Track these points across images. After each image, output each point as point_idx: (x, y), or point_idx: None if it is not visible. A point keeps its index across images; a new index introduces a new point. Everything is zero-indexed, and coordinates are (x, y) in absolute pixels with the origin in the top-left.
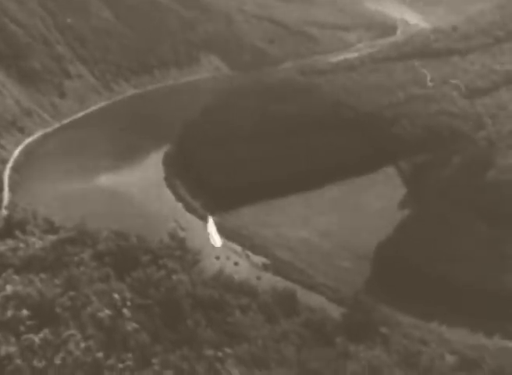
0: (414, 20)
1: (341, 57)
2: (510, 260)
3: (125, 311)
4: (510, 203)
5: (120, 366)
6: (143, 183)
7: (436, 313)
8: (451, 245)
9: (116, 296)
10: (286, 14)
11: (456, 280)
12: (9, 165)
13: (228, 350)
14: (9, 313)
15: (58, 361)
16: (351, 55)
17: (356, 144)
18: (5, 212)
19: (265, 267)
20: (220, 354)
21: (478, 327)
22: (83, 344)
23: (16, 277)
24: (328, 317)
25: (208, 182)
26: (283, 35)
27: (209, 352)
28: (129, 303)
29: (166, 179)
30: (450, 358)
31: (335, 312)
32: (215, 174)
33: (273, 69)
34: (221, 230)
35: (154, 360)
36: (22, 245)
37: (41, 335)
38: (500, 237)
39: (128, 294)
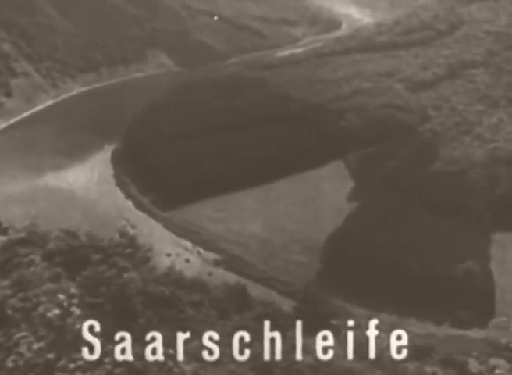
0: (358, 15)
1: (287, 52)
2: (455, 248)
3: (75, 310)
4: (455, 193)
5: (72, 366)
6: (91, 181)
7: (387, 303)
8: (399, 236)
9: (65, 296)
10: (231, 9)
11: (405, 270)
12: None
13: (180, 347)
14: None
15: (10, 364)
16: (297, 49)
17: (303, 137)
18: None
19: (217, 263)
20: (172, 351)
21: (428, 316)
22: (35, 346)
23: None
24: (279, 310)
25: (157, 179)
26: (229, 30)
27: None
28: (79, 302)
29: (115, 176)
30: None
31: (286, 305)
32: (164, 171)
33: (220, 64)
34: (171, 226)
35: (106, 359)
36: None
37: None
38: (446, 226)
39: (79, 293)
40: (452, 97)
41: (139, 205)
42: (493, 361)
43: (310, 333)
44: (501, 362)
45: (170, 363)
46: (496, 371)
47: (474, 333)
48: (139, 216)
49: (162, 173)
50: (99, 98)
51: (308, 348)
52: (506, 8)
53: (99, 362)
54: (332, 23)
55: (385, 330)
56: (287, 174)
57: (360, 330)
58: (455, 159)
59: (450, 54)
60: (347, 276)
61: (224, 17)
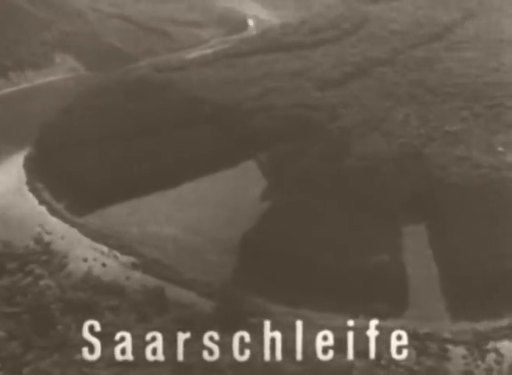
0: (264, 16)
1: (196, 53)
2: (368, 242)
3: None
4: (367, 189)
5: None
6: (4, 188)
7: (305, 299)
8: (313, 232)
9: None
10: (138, 12)
11: (321, 266)
12: None
13: (99, 353)
14: None
15: None
16: (206, 51)
17: (215, 138)
18: None
19: (134, 266)
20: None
21: (344, 309)
22: None
23: None
24: (199, 312)
25: (70, 184)
26: (137, 33)
27: (79, 357)
28: None
29: (28, 183)
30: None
31: (205, 306)
32: (77, 175)
33: (130, 67)
34: (87, 231)
35: (24, 369)
36: None
37: None
38: (359, 221)
39: None
40: (360, 94)
41: (53, 211)
42: (405, 350)
43: (229, 332)
44: (411, 349)
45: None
46: (408, 357)
47: (389, 323)
48: (54, 222)
49: (75, 177)
50: (9, 103)
51: (227, 347)
52: (409, 8)
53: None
54: (240, 24)
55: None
56: (200, 175)
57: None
58: (365, 155)
59: (357, 52)
60: (264, 274)
61: (132, 20)
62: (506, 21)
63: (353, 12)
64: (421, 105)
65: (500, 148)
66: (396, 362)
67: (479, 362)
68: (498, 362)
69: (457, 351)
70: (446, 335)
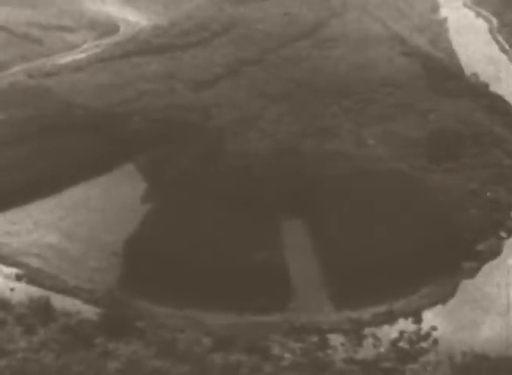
0: (134, 18)
1: (68, 58)
2: (250, 239)
3: None
4: (245, 187)
5: None
6: None
7: (190, 299)
8: (195, 233)
9: None
10: (8, 17)
11: (204, 266)
12: None
13: None
14: None
15: None
16: (78, 55)
17: (93, 143)
18: None
19: (18, 278)
20: None
21: (230, 307)
22: None
23: None
24: (85, 319)
25: None
26: (8, 39)
27: None
28: None
29: None
30: (206, 341)
31: (91, 313)
32: None
33: (1, 74)
34: None
35: None
36: None
37: None
38: (239, 219)
39: None
40: (232, 94)
41: None
42: (291, 341)
43: (117, 338)
44: (297, 341)
45: None
46: (295, 349)
47: (274, 317)
48: None
49: None
50: None
51: (115, 353)
52: (274, 8)
53: None
54: (110, 28)
55: (189, 326)
56: (80, 181)
57: (165, 328)
58: (241, 154)
59: (227, 53)
60: (149, 277)
61: (2, 26)
62: (369, 20)
63: (222, 14)
64: (292, 102)
65: (370, 141)
66: (283, 356)
67: (357, 348)
68: (376, 346)
69: (338, 340)
70: (327, 325)
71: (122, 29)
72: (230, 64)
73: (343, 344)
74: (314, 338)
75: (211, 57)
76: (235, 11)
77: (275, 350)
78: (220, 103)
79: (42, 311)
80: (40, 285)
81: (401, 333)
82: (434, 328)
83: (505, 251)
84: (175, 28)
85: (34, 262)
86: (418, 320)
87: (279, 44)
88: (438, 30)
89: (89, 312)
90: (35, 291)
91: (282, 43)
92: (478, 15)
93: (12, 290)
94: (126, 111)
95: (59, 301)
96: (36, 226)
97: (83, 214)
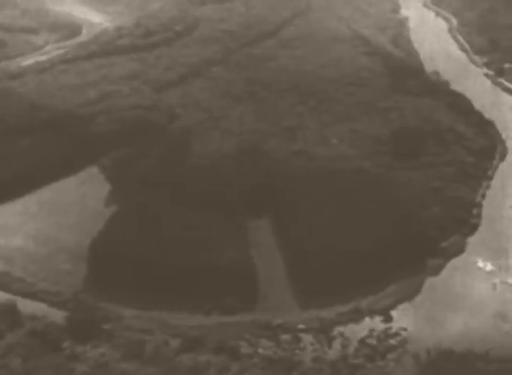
0: (97, 19)
1: (31, 60)
2: (216, 239)
3: None
4: (210, 187)
5: None
6: None
7: (157, 301)
8: (161, 234)
9: None
10: None
11: (171, 267)
12: None
13: None
14: None
15: None
16: (41, 57)
17: (57, 145)
18: None
19: None
20: None
21: (198, 308)
22: None
23: None
24: (52, 323)
25: None
26: None
27: None
28: None
29: None
30: (174, 342)
31: (58, 316)
32: None
33: None
34: None
35: None
36: None
37: None
38: (205, 220)
39: None
40: (197, 94)
41: None
42: (259, 341)
43: (84, 341)
44: (265, 340)
45: None
46: (263, 349)
47: (243, 317)
48: None
49: None
50: None
51: (83, 357)
52: (238, 9)
53: None
54: (73, 29)
55: (157, 328)
56: (45, 183)
57: (132, 331)
58: (206, 154)
59: (191, 53)
60: (115, 279)
61: None
62: (332, 20)
63: (186, 14)
64: (257, 102)
65: (334, 140)
66: (252, 356)
67: (326, 348)
68: (343, 344)
69: (307, 339)
70: (294, 324)
71: (85, 30)
72: (194, 64)
73: (311, 343)
74: (282, 338)
75: (175, 57)
76: (198, 11)
77: (244, 350)
78: (184, 103)
79: (9, 315)
80: (7, 289)
81: (368, 331)
82: (400, 325)
83: (468, 247)
84: (138, 29)
85: (0, 266)
86: (385, 318)
87: (243, 44)
88: (399, 30)
89: (56, 315)
90: (1, 295)
91: (246, 43)
92: (438, 15)
93: None
94: (91, 112)
95: (26, 305)
96: (1, 230)
97: (48, 217)
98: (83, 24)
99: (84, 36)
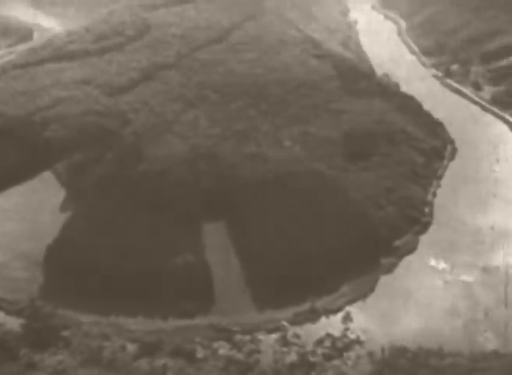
0: (48, 24)
1: None
2: (171, 243)
3: None
4: (164, 191)
5: None
6: None
7: (114, 306)
8: (116, 239)
9: None
10: None
11: (127, 272)
12: None
13: None
14: None
15: None
16: None
17: (11, 152)
18: None
19: None
20: None
21: (154, 312)
22: None
23: None
24: (9, 331)
25: None
26: None
27: None
28: None
29: None
30: (131, 347)
31: (15, 324)
32: None
33: None
34: None
35: None
36: None
37: None
38: (160, 223)
39: None
40: (149, 99)
41: None
42: (216, 344)
43: (42, 348)
44: (222, 343)
45: None
46: (220, 351)
47: (199, 320)
48: None
49: None
50: None
51: (41, 364)
52: (188, 13)
53: None
54: (24, 34)
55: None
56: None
57: (90, 337)
58: (159, 158)
59: (142, 58)
60: (72, 285)
61: None
62: (282, 23)
63: (137, 19)
64: (209, 105)
65: (287, 143)
66: (211, 357)
67: (283, 349)
68: (299, 345)
69: (264, 340)
70: (251, 326)
71: (36, 35)
72: (146, 69)
73: (268, 344)
74: (239, 339)
75: (127, 62)
76: (149, 16)
77: (200, 353)
78: (137, 108)
79: None
80: None
81: (324, 330)
82: (355, 324)
83: (421, 246)
84: (89, 34)
85: None
86: (340, 317)
87: (194, 48)
88: (348, 33)
89: (13, 323)
90: None
91: (197, 47)
92: (387, 18)
93: None
94: (43, 118)
95: None
96: None
97: (3, 224)
98: (35, 29)
99: (35, 41)
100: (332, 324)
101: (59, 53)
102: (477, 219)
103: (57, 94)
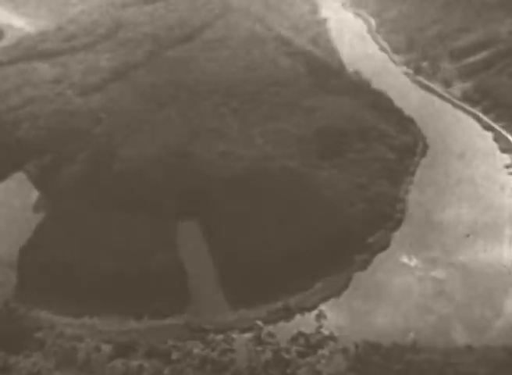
0: (19, 24)
1: None
2: (145, 243)
3: None
4: (137, 190)
5: None
6: None
7: (88, 307)
8: (91, 239)
9: None
10: None
11: (100, 272)
12: None
13: None
14: None
15: None
16: None
17: None
18: None
19: None
20: None
21: (128, 313)
22: None
23: None
24: None
25: None
26: None
27: None
28: None
29: None
30: (106, 348)
31: None
32: None
33: None
34: None
35: None
36: None
37: None
38: (134, 223)
39: None
40: (119, 98)
41: None
42: (190, 343)
43: (16, 351)
44: (195, 343)
45: None
46: (194, 351)
47: (174, 320)
48: None
49: None
50: None
51: (16, 367)
52: (159, 11)
53: None
54: None
55: (88, 334)
56: None
57: (64, 338)
58: (131, 158)
59: (113, 57)
60: (46, 287)
61: None
62: (252, 21)
63: (107, 17)
64: (181, 104)
65: (259, 140)
66: (186, 357)
67: (258, 347)
68: (273, 343)
69: (239, 339)
70: (225, 325)
71: (7, 35)
72: (117, 68)
73: (242, 343)
74: (213, 339)
75: (98, 61)
76: (119, 14)
77: (176, 353)
78: (108, 108)
79: None
80: None
81: (298, 328)
82: (330, 321)
83: (393, 242)
84: (60, 33)
85: None
86: (314, 314)
87: (164, 46)
88: (318, 30)
89: None
90: None
91: (168, 45)
92: (357, 15)
93: None
94: (14, 118)
95: None
96: None
97: None
98: (5, 29)
99: (6, 41)
100: (305, 322)
101: (31, 53)
102: (447, 215)
103: (28, 93)
